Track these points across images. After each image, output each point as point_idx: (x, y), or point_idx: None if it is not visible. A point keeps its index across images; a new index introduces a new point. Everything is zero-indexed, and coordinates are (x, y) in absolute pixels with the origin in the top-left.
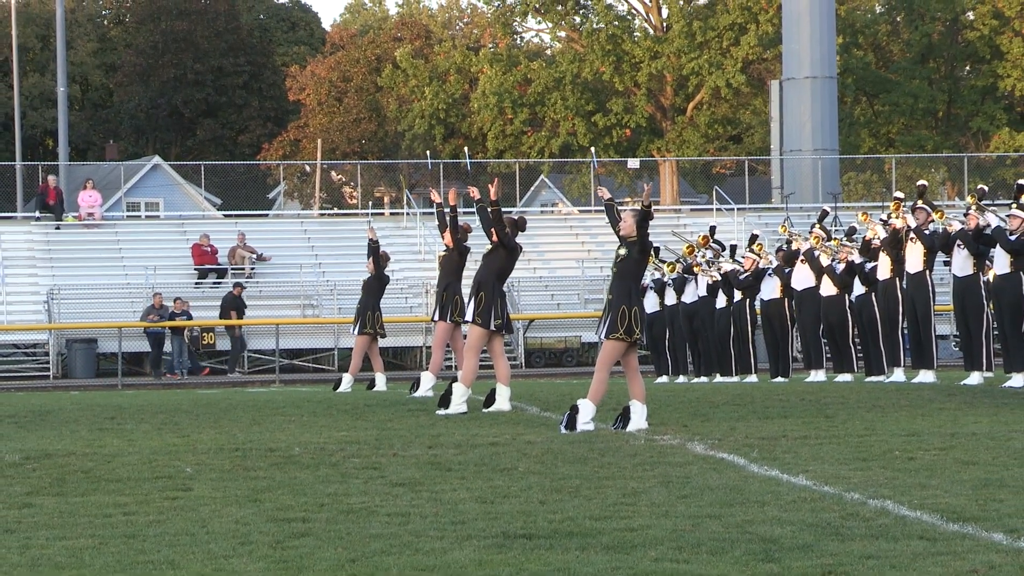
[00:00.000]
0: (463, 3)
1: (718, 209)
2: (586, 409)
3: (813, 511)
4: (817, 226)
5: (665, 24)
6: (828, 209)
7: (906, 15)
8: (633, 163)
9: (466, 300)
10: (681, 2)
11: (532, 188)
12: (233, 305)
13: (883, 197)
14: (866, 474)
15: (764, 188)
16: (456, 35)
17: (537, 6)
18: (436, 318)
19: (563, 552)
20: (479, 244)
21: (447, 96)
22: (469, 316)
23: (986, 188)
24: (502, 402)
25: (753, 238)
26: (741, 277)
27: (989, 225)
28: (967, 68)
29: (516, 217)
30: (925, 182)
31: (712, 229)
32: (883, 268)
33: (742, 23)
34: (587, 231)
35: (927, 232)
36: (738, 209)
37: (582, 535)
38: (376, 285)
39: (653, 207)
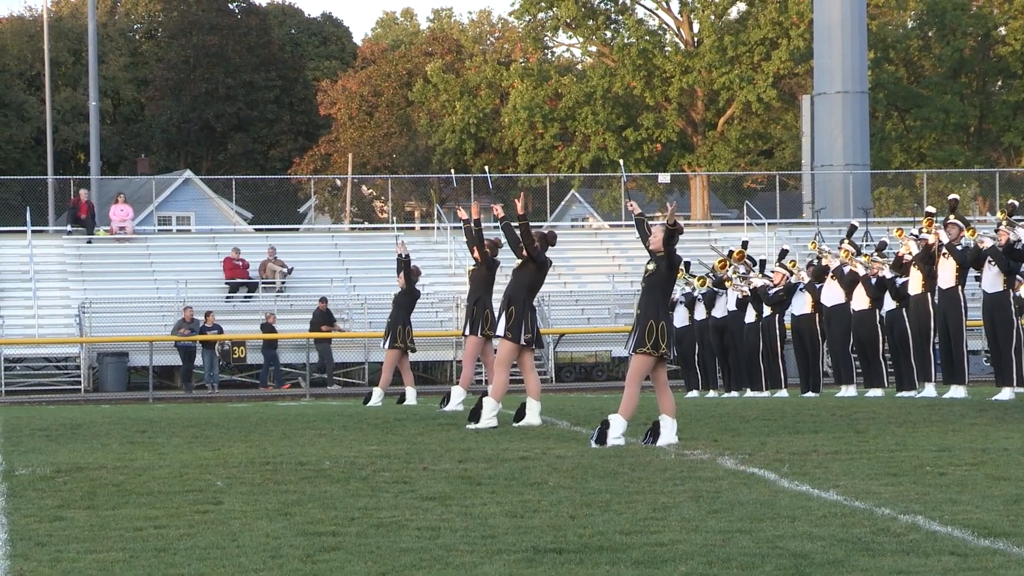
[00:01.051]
0: (494, 18)
1: (749, 224)
2: (617, 424)
3: (844, 526)
4: (846, 241)
5: (696, 39)
6: (856, 224)
7: (938, 30)
8: (664, 178)
9: (497, 315)
10: (712, 17)
11: (563, 203)
12: (325, 319)
13: (914, 212)
14: (897, 489)
15: (795, 203)
16: (487, 50)
17: (568, 21)
18: (467, 332)
19: (593, 567)
20: (509, 259)
21: (478, 111)
22: (500, 331)
23: (1016, 203)
24: (532, 416)
25: (783, 253)
26: (772, 292)
27: (1020, 240)
28: (999, 83)
29: (546, 232)
30: (957, 196)
31: (744, 244)
32: (914, 283)
33: (773, 38)
34: (617, 246)
35: (959, 248)
36: (769, 224)
37: (612, 550)
38: (407, 300)
39: (683, 222)
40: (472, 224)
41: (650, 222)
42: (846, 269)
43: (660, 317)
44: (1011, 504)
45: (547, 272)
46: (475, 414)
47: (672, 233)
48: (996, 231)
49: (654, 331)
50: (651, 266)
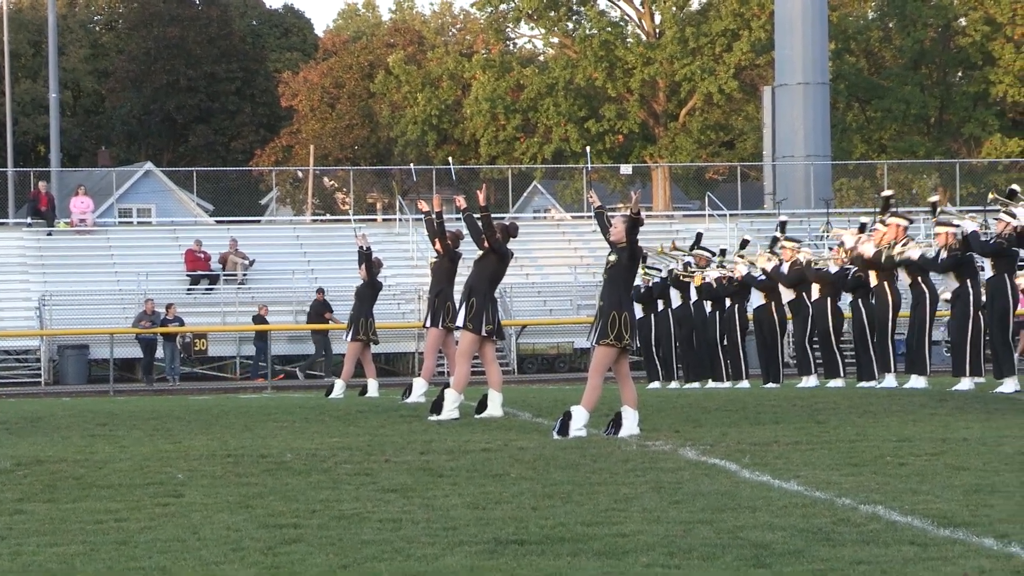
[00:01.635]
0: (456, 9)
1: (710, 215)
2: (579, 415)
3: (804, 516)
4: (782, 239)
5: (658, 30)
6: (786, 218)
7: (898, 21)
8: (626, 169)
9: (457, 306)
10: (674, 8)
11: (525, 194)
12: (324, 309)
13: (875, 203)
14: (857, 479)
15: (756, 194)
16: (449, 41)
17: (530, 12)
18: (428, 324)
19: (555, 558)
20: (471, 250)
21: (440, 102)
22: (460, 322)
23: (1017, 188)
24: (494, 408)
25: (744, 243)
26: (726, 283)
27: (965, 232)
28: (959, 74)
29: (507, 223)
30: (890, 192)
31: (698, 236)
32: (874, 274)
33: (735, 29)
34: (580, 237)
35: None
36: (731, 215)
37: (574, 541)
38: (369, 292)
39: (645, 213)
40: (433, 216)
41: (610, 214)
42: (784, 267)
43: (623, 308)
44: (971, 494)
45: (508, 264)
46: (437, 406)
47: (635, 223)
48: (994, 217)
49: (617, 322)
50: (612, 257)
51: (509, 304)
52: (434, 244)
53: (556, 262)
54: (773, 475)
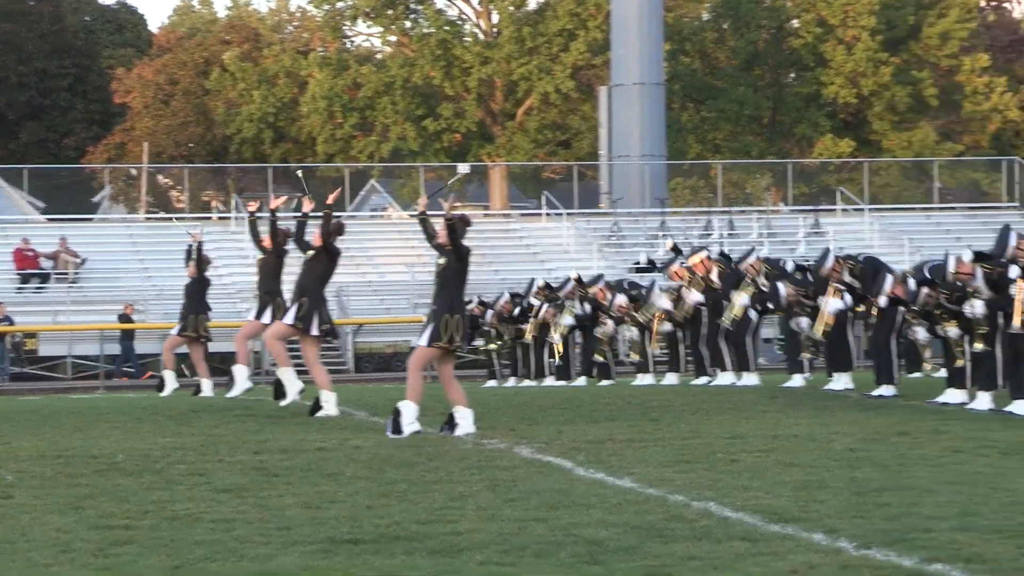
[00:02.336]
0: (293, 6)
1: (547, 214)
2: (408, 410)
3: (638, 513)
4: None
5: (495, 30)
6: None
7: (732, 23)
8: (463, 168)
9: (289, 305)
10: (511, 8)
11: (362, 193)
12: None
13: (709, 203)
14: (690, 476)
15: (593, 193)
16: (285, 38)
17: (367, 10)
18: (252, 317)
19: (389, 557)
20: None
21: (276, 100)
22: (290, 320)
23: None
24: (330, 407)
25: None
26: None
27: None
28: (792, 75)
29: (335, 221)
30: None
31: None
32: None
33: (571, 29)
34: (417, 235)
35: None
36: (567, 214)
37: (408, 540)
38: (197, 288)
39: (481, 212)
40: (256, 217)
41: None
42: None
43: (455, 311)
44: (800, 490)
45: (337, 263)
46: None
47: (453, 227)
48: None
49: (449, 325)
50: (441, 260)
51: (346, 303)
52: (260, 242)
53: (393, 261)
54: (607, 472)
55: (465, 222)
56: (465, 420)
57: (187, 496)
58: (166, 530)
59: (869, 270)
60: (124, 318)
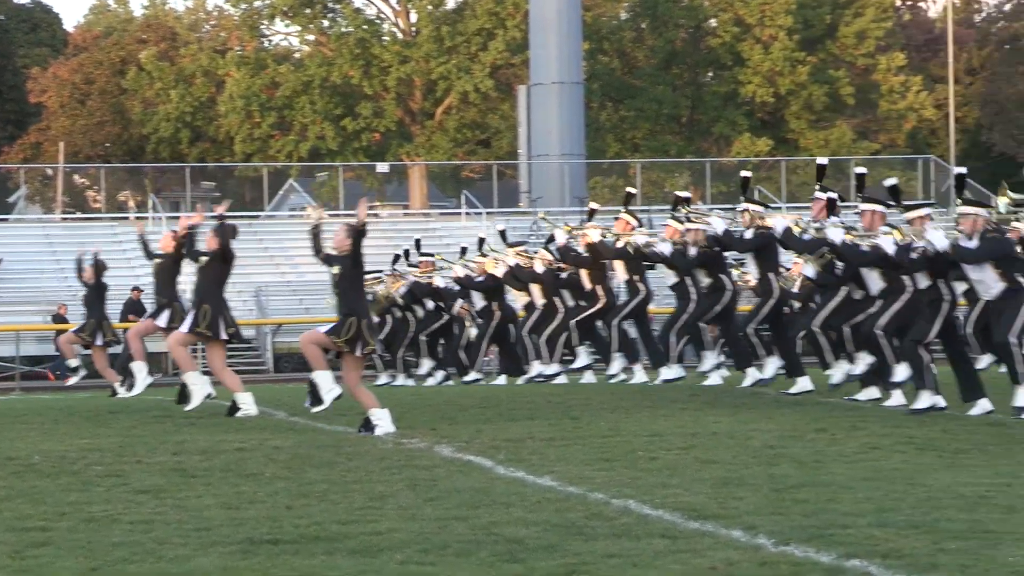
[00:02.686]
0: (210, 5)
1: (467, 213)
2: (323, 378)
3: (558, 511)
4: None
5: (414, 29)
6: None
7: (651, 22)
8: (382, 167)
9: (188, 311)
10: (430, 7)
11: (281, 192)
12: (134, 310)
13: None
14: (610, 474)
15: (512, 192)
16: (203, 38)
17: (285, 9)
18: (158, 322)
19: (309, 557)
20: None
21: (193, 99)
22: (187, 327)
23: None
24: (248, 408)
25: (482, 242)
26: (477, 281)
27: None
28: (710, 74)
29: (229, 224)
30: (632, 189)
31: (417, 242)
32: (620, 268)
33: (490, 28)
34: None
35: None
36: (487, 213)
37: (328, 540)
38: (96, 295)
39: (402, 212)
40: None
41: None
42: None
43: (360, 314)
44: (720, 487)
45: (233, 266)
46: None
47: (360, 234)
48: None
49: (353, 327)
50: (336, 270)
51: (265, 303)
52: (161, 245)
53: (312, 261)
54: (527, 471)
55: (363, 234)
56: (383, 421)
57: (104, 497)
58: (83, 532)
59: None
60: (58, 318)
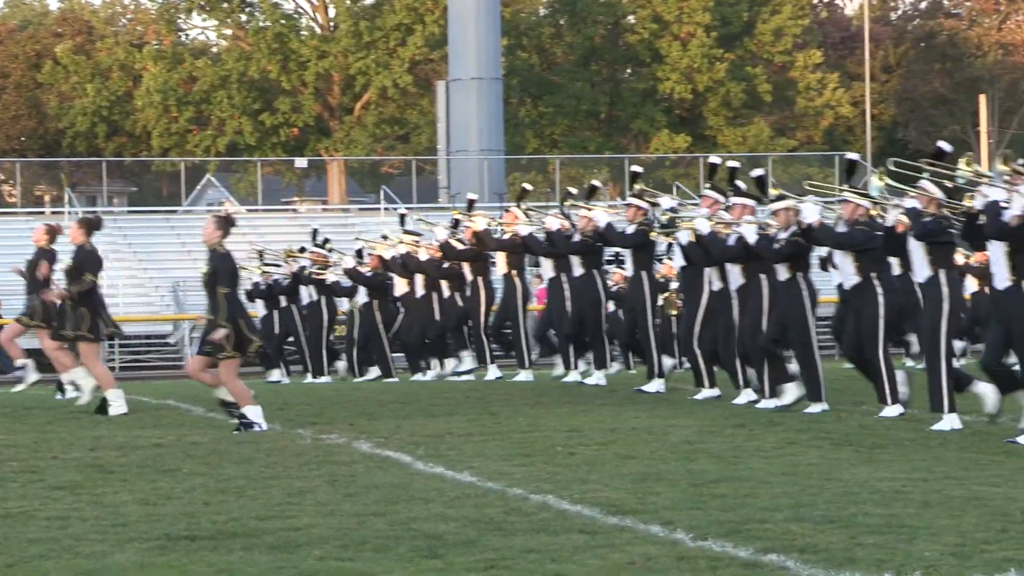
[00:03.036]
0: None
1: (386, 209)
2: (253, 413)
3: (477, 507)
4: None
5: (332, 23)
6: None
7: (569, 18)
8: (300, 162)
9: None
10: (348, 2)
11: (198, 187)
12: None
13: (547, 197)
14: (529, 470)
15: (431, 188)
16: (120, 31)
17: (202, 3)
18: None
19: (227, 553)
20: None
21: (110, 93)
22: (75, 330)
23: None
24: (118, 406)
25: (315, 233)
26: (369, 275)
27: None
28: (628, 71)
29: (91, 217)
30: (597, 183)
31: (315, 232)
32: (547, 266)
33: (408, 23)
34: (255, 230)
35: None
36: (406, 209)
37: (246, 535)
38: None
39: (321, 208)
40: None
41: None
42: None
43: (236, 315)
44: (639, 482)
45: (102, 266)
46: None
47: (228, 223)
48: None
49: (232, 337)
50: (205, 268)
51: (183, 298)
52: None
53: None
54: (446, 466)
55: (230, 222)
56: (256, 416)
57: (20, 494)
58: None
59: None
60: None
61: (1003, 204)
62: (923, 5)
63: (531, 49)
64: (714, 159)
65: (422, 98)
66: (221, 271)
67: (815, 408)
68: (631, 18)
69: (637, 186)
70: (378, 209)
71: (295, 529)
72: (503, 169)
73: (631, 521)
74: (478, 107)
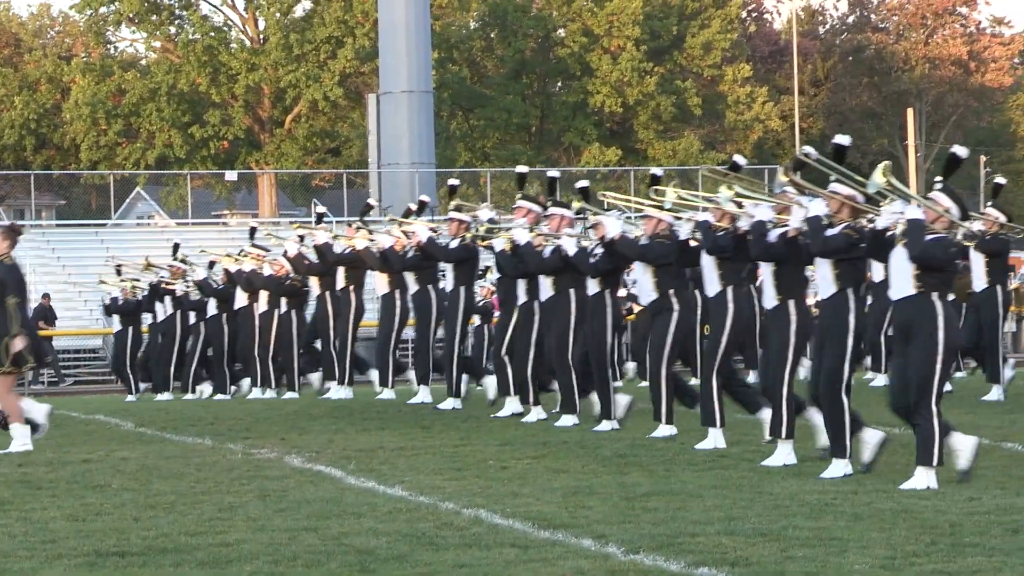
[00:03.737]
0: (55, 11)
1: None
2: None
3: (408, 521)
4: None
5: (262, 36)
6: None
7: (500, 31)
8: (231, 175)
9: None
10: (278, 15)
11: (128, 200)
12: (44, 316)
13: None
14: (461, 484)
15: (363, 201)
16: (48, 44)
17: (131, 16)
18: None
19: (157, 568)
20: None
21: (38, 106)
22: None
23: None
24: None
25: (175, 248)
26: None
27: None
28: (559, 84)
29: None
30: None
31: (175, 246)
32: (381, 282)
33: (339, 36)
34: (185, 244)
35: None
36: (337, 222)
37: (177, 551)
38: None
39: (254, 221)
40: None
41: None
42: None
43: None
44: (570, 496)
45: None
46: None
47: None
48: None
49: (9, 347)
50: None
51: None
52: None
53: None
54: (378, 481)
55: (16, 231)
56: (24, 437)
57: None
58: None
59: None
60: None
61: (770, 223)
62: (851, 19)
63: (462, 62)
64: (655, 170)
65: (353, 111)
66: (9, 282)
67: (604, 426)
68: (561, 31)
69: (455, 201)
70: (309, 222)
71: (226, 545)
72: (434, 182)
73: (563, 535)
74: (409, 120)
